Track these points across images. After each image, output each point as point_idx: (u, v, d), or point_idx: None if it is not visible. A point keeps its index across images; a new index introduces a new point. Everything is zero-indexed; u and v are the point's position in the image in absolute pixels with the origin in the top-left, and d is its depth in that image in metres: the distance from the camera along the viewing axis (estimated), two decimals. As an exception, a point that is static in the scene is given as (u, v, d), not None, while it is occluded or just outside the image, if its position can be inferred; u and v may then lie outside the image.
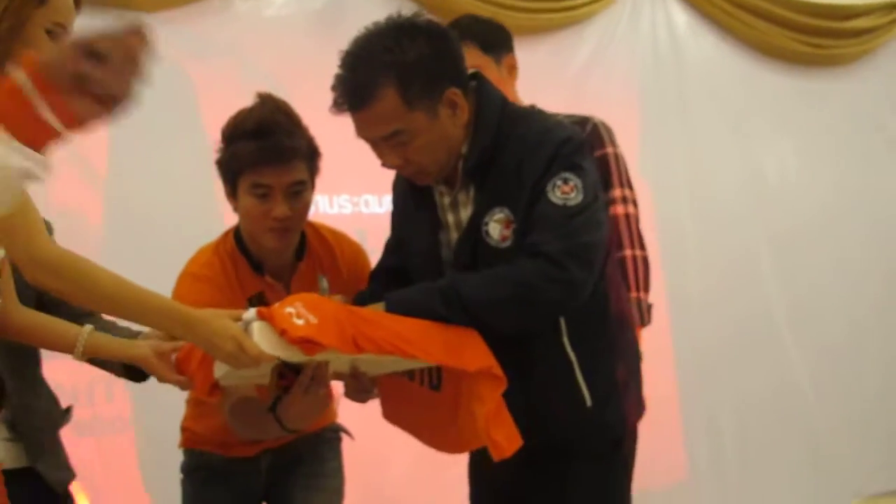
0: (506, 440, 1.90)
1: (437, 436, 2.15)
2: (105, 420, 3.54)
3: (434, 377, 2.06)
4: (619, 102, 4.75)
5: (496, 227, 2.02)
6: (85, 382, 3.39)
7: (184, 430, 2.50)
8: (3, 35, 1.70)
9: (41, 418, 2.15)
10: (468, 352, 1.91)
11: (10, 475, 1.84)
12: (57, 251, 1.77)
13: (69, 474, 2.23)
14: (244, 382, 2.06)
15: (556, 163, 1.97)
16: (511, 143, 2.02)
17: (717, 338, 4.96)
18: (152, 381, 2.04)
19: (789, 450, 5.09)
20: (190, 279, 2.29)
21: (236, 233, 2.34)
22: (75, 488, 3.19)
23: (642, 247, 2.80)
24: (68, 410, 2.27)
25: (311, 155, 2.26)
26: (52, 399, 2.24)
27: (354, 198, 4.09)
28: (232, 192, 2.26)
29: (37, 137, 1.17)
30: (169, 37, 3.76)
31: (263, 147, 2.17)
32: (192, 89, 3.87)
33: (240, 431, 2.25)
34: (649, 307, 2.80)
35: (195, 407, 2.45)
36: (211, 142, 3.57)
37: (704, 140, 5.09)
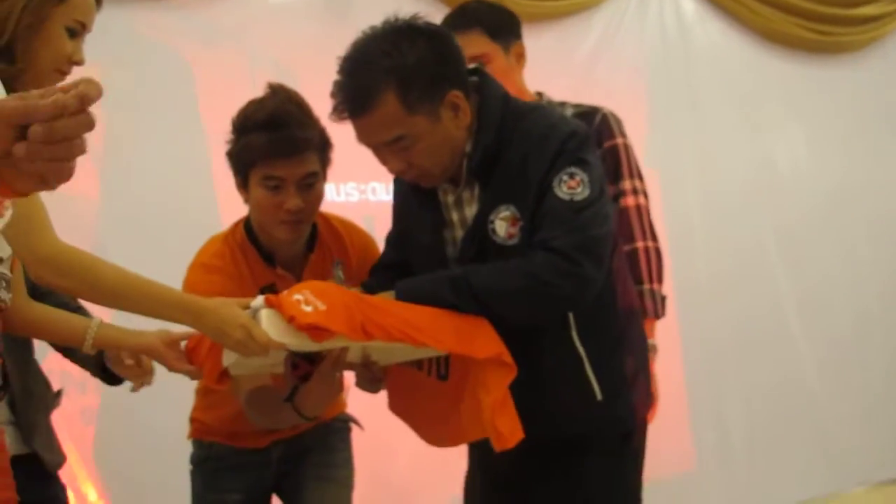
0: (509, 431, 1.89)
1: (439, 428, 2.14)
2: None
3: (442, 367, 2.05)
4: (626, 90, 4.74)
5: (502, 225, 2.00)
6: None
7: (193, 421, 2.50)
8: (23, 33, 1.71)
9: (37, 401, 2.17)
10: (478, 339, 1.90)
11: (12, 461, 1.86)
12: (60, 247, 1.76)
13: (61, 457, 2.24)
14: (253, 371, 2.06)
15: (561, 158, 1.96)
16: (515, 139, 2.00)
17: (725, 328, 4.96)
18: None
19: (796, 439, 5.10)
20: (201, 269, 2.28)
21: (246, 224, 2.33)
22: (80, 474, 3.22)
23: (654, 238, 2.78)
24: (59, 394, 2.29)
25: (323, 146, 2.24)
26: (45, 383, 2.26)
27: (362, 185, 4.07)
28: (243, 184, 2.24)
29: None
30: (175, 23, 3.78)
31: (276, 139, 2.14)
32: (194, 75, 3.86)
33: (256, 421, 2.25)
34: (663, 299, 2.78)
35: (204, 398, 2.45)
36: (210, 129, 3.61)
37: (712, 128, 5.08)
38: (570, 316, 2.05)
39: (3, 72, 1.66)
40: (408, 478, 4.00)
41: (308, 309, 1.75)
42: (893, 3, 5.57)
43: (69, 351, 2.35)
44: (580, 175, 1.95)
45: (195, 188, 3.71)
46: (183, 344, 1.98)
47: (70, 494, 3.20)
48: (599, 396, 2.07)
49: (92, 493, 3.42)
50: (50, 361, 2.38)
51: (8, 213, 1.39)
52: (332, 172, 2.29)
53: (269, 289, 2.27)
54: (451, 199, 2.10)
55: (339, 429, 2.52)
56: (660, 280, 2.76)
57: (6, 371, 2.09)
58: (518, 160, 1.99)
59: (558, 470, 2.12)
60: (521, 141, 2.00)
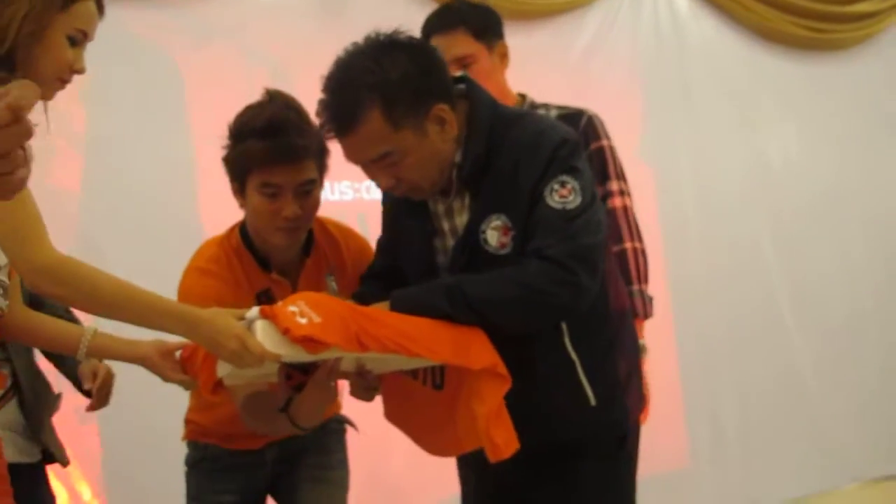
0: (504, 442, 1.88)
1: (435, 437, 2.13)
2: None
3: (437, 377, 2.04)
4: (621, 87, 4.75)
5: (494, 235, 1.99)
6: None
7: (188, 422, 2.50)
8: (24, 41, 1.71)
9: (42, 401, 2.21)
10: (473, 350, 1.90)
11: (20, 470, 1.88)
12: (56, 257, 1.76)
13: (66, 457, 2.28)
14: (247, 381, 2.06)
15: (552, 166, 1.95)
16: (505, 147, 1.99)
17: (720, 324, 4.98)
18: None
19: (791, 435, 5.12)
20: (196, 273, 2.28)
21: (242, 228, 2.32)
22: (75, 473, 3.22)
23: (640, 239, 2.79)
24: (59, 396, 2.32)
25: (320, 153, 2.22)
26: (48, 385, 2.30)
27: (356, 184, 4.06)
28: (240, 190, 2.23)
29: None
30: (165, 21, 3.77)
31: (274, 146, 2.13)
32: (181, 72, 3.85)
33: (251, 426, 2.24)
34: (651, 299, 2.79)
35: (199, 399, 2.43)
36: (196, 127, 3.60)
37: (706, 125, 5.09)
38: (563, 322, 2.05)
39: (3, 80, 1.66)
40: (403, 478, 4.01)
41: (303, 321, 1.74)
42: (887, 0, 5.58)
43: (59, 359, 2.37)
44: (571, 183, 1.94)
45: (178, 185, 3.72)
46: (177, 353, 1.98)
47: (64, 494, 3.23)
48: (593, 401, 2.06)
49: (86, 493, 3.43)
50: (43, 363, 2.39)
51: None
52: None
53: (265, 294, 2.27)
54: (441, 208, 2.10)
55: (334, 430, 2.52)
56: (647, 280, 2.77)
57: (16, 373, 2.12)
58: (509, 169, 1.97)
59: (553, 475, 2.12)
60: (511, 149, 1.98)
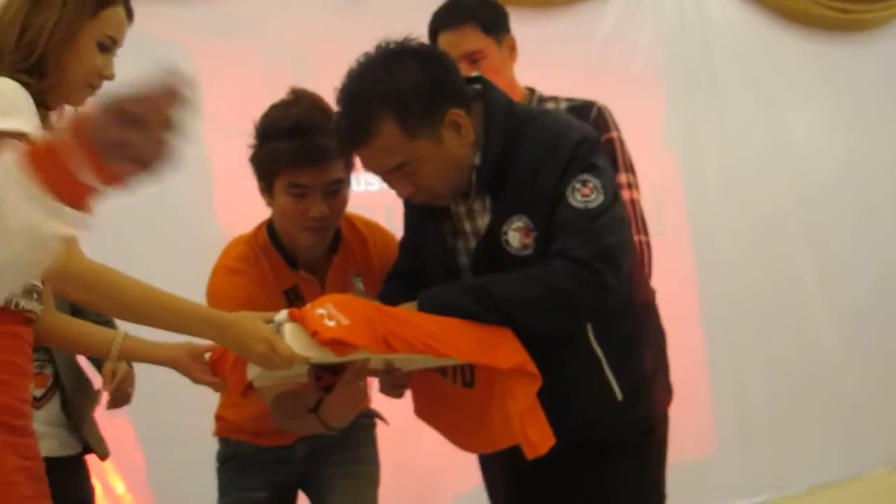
0: (539, 438, 1.90)
1: (468, 434, 2.14)
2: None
3: (467, 374, 2.05)
4: (644, 72, 4.73)
5: (515, 236, 1.98)
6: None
7: (218, 418, 2.51)
8: (55, 47, 1.72)
9: (84, 396, 2.28)
10: (501, 350, 1.90)
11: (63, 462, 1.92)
12: (84, 263, 1.77)
13: (106, 449, 2.34)
14: (276, 382, 2.07)
15: (573, 165, 1.94)
16: (524, 147, 1.98)
17: (746, 307, 4.96)
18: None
19: (818, 419, 5.09)
20: (224, 271, 2.29)
21: (269, 227, 2.33)
22: (107, 467, 3.26)
23: (646, 232, 2.77)
24: (98, 392, 2.38)
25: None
26: (88, 380, 2.35)
27: (382, 175, 4.06)
28: (267, 190, 2.24)
29: (74, 195, 1.20)
30: (186, 16, 3.77)
31: (301, 147, 2.14)
32: (197, 68, 3.85)
33: (281, 425, 2.25)
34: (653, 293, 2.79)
35: (229, 396, 2.42)
36: (212, 122, 3.60)
37: (731, 109, 5.06)
38: None
39: (34, 86, 1.68)
40: (431, 465, 4.02)
41: (331, 324, 1.75)
42: (915, -21, 5.53)
43: (94, 359, 2.41)
44: (593, 181, 1.93)
45: (194, 184, 3.68)
46: (207, 356, 2.00)
47: (99, 487, 3.27)
48: (620, 396, 2.07)
49: (120, 487, 3.47)
50: (83, 359, 2.44)
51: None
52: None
53: (293, 291, 2.29)
54: (462, 209, 2.09)
55: (364, 425, 2.52)
56: (650, 273, 2.76)
57: (57, 371, 2.16)
58: (528, 169, 1.97)
59: (582, 470, 2.12)
60: (530, 150, 1.97)
